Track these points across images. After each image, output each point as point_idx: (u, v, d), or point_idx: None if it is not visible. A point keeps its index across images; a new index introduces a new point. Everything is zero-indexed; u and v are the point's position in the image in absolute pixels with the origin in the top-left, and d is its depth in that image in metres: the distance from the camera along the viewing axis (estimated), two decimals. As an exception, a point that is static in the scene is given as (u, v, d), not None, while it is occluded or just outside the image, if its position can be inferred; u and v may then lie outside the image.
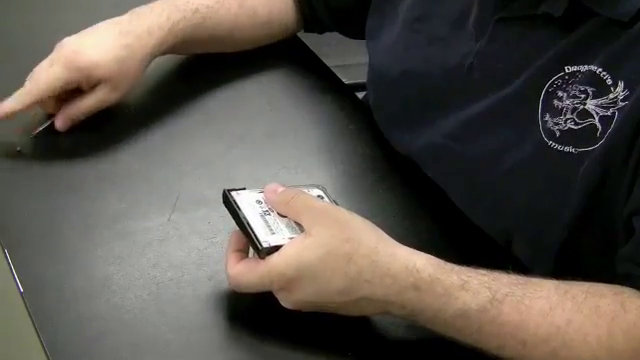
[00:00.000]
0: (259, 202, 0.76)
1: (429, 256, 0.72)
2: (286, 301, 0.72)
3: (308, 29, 1.11)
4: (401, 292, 0.70)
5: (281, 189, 0.76)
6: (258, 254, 0.73)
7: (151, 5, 0.98)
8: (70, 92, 0.92)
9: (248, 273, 0.72)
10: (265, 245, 0.72)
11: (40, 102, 0.91)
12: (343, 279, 0.70)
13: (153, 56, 0.96)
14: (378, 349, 0.76)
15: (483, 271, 0.72)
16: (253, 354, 0.74)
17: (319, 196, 0.78)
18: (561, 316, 0.69)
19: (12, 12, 1.14)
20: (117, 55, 0.92)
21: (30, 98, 0.90)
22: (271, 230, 0.74)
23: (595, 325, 0.69)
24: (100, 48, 0.92)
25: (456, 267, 0.71)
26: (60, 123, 0.92)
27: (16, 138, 0.92)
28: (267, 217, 0.75)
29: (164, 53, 0.98)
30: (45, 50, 0.93)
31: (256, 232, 0.73)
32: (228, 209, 0.76)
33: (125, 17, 0.96)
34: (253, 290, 0.73)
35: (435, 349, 0.75)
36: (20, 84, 0.91)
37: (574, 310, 0.70)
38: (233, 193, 0.77)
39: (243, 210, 0.75)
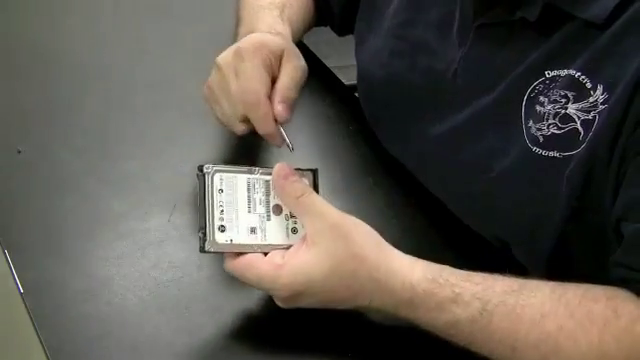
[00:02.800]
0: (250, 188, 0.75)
1: (426, 267, 0.73)
2: (283, 304, 0.73)
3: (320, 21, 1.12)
4: (397, 306, 0.73)
5: (292, 178, 0.75)
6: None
7: (248, 20, 0.95)
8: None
9: (248, 272, 0.72)
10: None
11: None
12: (346, 291, 0.72)
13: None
14: (378, 350, 0.76)
15: (478, 279, 0.73)
16: (253, 355, 0.74)
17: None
18: (553, 322, 0.70)
19: (11, 13, 1.14)
20: (273, 35, 0.89)
21: (269, 110, 0.82)
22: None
23: (586, 331, 0.69)
24: (257, 36, 0.87)
25: (451, 278, 0.73)
26: (286, 111, 0.82)
27: (16, 138, 0.92)
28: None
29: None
30: (44, 50, 0.93)
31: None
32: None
33: (242, 37, 0.91)
34: (252, 285, 0.73)
35: (435, 350, 0.76)
36: (18, 85, 0.91)
37: (566, 315, 0.70)
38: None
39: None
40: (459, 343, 0.73)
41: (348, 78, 1.18)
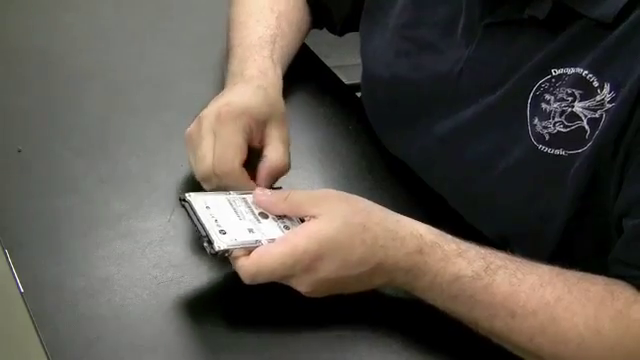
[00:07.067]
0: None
1: (428, 225, 0.75)
2: (305, 283, 0.72)
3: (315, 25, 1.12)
4: (408, 255, 0.73)
5: (269, 191, 0.77)
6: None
7: (238, 57, 0.95)
8: None
9: (266, 258, 0.71)
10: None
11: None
12: (361, 247, 0.72)
13: (281, 91, 0.93)
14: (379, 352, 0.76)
15: (480, 245, 0.75)
16: (253, 354, 0.74)
17: None
18: (551, 293, 0.71)
19: (11, 12, 1.14)
20: (260, 94, 0.87)
21: (236, 181, 0.80)
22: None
23: (583, 307, 0.71)
24: (243, 96, 0.86)
25: (454, 238, 0.75)
26: (270, 185, 0.83)
27: (16, 138, 0.92)
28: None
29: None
30: (45, 50, 0.93)
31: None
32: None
33: (232, 78, 0.92)
34: (271, 277, 0.72)
35: (433, 349, 0.76)
36: (18, 84, 0.90)
37: (565, 290, 0.72)
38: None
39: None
40: (460, 309, 0.73)
41: (348, 78, 1.18)
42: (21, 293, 0.75)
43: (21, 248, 0.80)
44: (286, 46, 1.00)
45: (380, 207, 0.76)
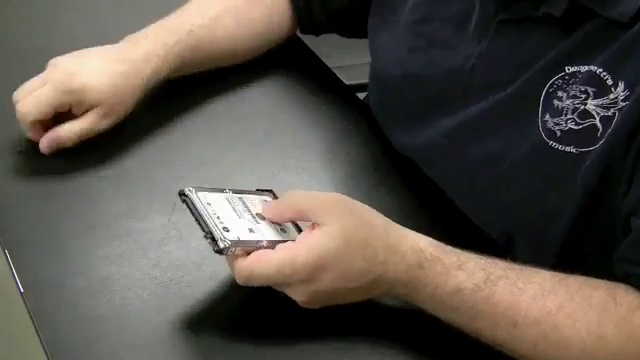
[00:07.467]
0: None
1: (430, 238, 0.76)
2: (301, 293, 0.72)
3: (304, 31, 1.11)
4: (407, 270, 0.73)
5: (272, 202, 0.77)
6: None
7: (145, 31, 0.97)
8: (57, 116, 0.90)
9: (263, 263, 0.71)
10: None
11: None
12: (361, 262, 0.72)
13: (149, 84, 0.94)
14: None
15: (480, 255, 0.75)
16: (254, 355, 0.74)
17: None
18: (553, 301, 0.71)
19: (11, 12, 1.14)
20: (111, 81, 0.90)
21: (24, 125, 0.90)
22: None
23: (586, 313, 0.71)
24: (95, 73, 0.90)
25: (455, 250, 0.75)
26: (45, 147, 0.89)
27: (16, 138, 0.92)
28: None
29: (163, 79, 0.96)
30: (45, 50, 0.93)
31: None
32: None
33: (121, 44, 0.95)
34: (266, 282, 0.72)
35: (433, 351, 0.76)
36: (18, 84, 0.90)
37: (567, 297, 0.72)
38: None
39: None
40: (462, 319, 0.73)
41: (349, 78, 1.18)
42: (21, 293, 0.75)
43: (21, 248, 0.80)
44: (211, 42, 1.00)
45: (384, 219, 0.75)
